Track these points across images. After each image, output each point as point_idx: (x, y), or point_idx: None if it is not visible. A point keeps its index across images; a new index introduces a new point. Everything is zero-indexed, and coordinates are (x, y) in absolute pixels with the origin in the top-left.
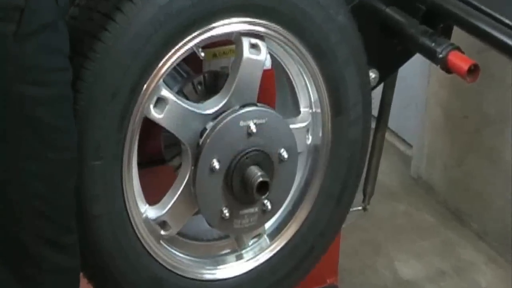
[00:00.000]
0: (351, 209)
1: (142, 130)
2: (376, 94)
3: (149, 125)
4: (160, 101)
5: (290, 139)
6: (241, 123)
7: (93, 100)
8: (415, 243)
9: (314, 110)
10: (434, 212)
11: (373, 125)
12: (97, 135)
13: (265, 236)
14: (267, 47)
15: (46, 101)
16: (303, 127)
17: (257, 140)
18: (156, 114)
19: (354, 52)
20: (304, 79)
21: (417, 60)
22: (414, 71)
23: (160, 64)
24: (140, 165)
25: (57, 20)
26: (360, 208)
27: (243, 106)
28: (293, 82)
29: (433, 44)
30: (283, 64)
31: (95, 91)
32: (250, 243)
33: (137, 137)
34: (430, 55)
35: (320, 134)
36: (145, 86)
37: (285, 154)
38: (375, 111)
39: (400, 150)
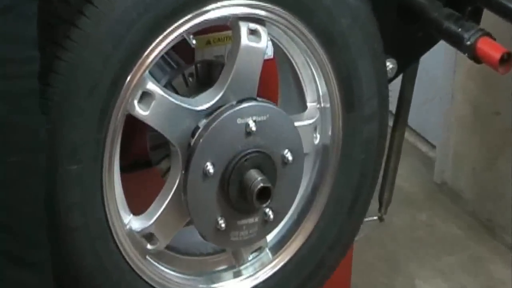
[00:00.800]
0: (365, 219)
1: (125, 129)
2: (394, 87)
3: (133, 123)
4: (146, 96)
5: (295, 138)
6: (239, 121)
7: (69, 95)
8: (439, 259)
9: (322, 105)
10: (461, 223)
11: (390, 122)
12: (73, 136)
13: (266, 250)
14: (269, 33)
15: (6, 96)
16: (310, 124)
17: (257, 140)
18: (141, 111)
19: (369, 38)
20: (311, 69)
21: (442, 48)
22: (437, 60)
23: (146, 54)
24: (123, 169)
25: (19, 4)
26: (375, 218)
27: (241, 101)
28: (299, 73)
29: (459, 30)
30: (287, 52)
31: (71, 85)
32: (249, 258)
33: (120, 137)
34: (456, 42)
35: (330, 133)
36: (128, 78)
37: (289, 156)
38: (393, 107)
39: (421, 152)
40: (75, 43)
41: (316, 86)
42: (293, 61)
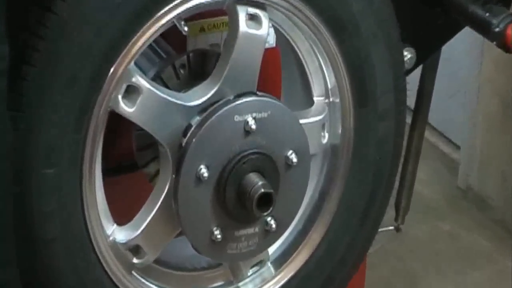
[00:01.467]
0: (380, 230)
1: (108, 128)
2: (413, 80)
3: (117, 121)
4: (131, 90)
5: (300, 138)
6: (237, 118)
7: (43, 90)
8: (464, 274)
9: (331, 99)
10: (489, 233)
11: (408, 120)
12: (49, 136)
13: (268, 264)
14: (270, 19)
15: None
16: (317, 122)
17: (257, 140)
18: (125, 107)
19: (383, 24)
20: (318, 59)
21: (466, 36)
22: (462, 50)
23: (131, 43)
24: (105, 173)
25: None
26: (391, 228)
27: (239, 95)
28: (304, 64)
29: (487, 15)
30: (290, 40)
31: (46, 78)
32: (249, 273)
33: (102, 137)
34: (483, 28)
35: (340, 131)
36: (111, 70)
37: (293, 158)
38: (411, 102)
39: (444, 153)
40: (50, 30)
41: (324, 78)
42: (297, 50)
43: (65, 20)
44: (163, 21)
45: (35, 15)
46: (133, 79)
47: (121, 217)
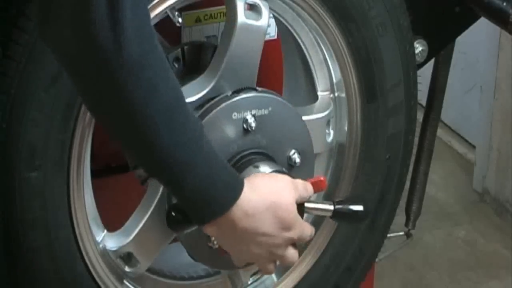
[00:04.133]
0: (390, 235)
1: (96, 126)
2: (425, 75)
3: None
4: None
5: (304, 136)
6: (235, 115)
7: (26, 87)
8: (481, 284)
9: (336, 94)
10: (508, 240)
11: (420, 117)
12: (32, 136)
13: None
14: (271, 9)
15: None
16: (322, 118)
17: (258, 139)
18: None
19: (393, 13)
20: (322, 52)
21: (482, 27)
22: (478, 42)
23: None
24: (94, 174)
25: None
26: (402, 233)
27: (237, 91)
28: (308, 57)
29: (504, 4)
30: (293, 31)
31: (29, 74)
32: (249, 282)
33: (90, 137)
34: (500, 19)
35: (346, 128)
36: None
37: (296, 157)
38: (423, 99)
39: (458, 153)
40: (33, 22)
41: (329, 71)
42: (300, 42)
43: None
44: (156, 12)
45: (17, 6)
46: None
47: (112, 223)
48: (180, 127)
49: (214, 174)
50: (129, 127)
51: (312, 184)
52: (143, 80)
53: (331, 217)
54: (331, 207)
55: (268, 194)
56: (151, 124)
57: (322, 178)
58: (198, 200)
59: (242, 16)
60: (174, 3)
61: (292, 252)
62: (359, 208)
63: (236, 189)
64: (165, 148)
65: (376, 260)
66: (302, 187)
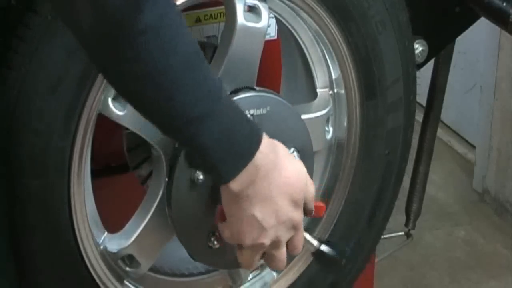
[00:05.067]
0: (389, 235)
1: (97, 126)
2: (425, 75)
3: (105, 117)
4: None
5: (302, 134)
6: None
7: (26, 96)
8: (482, 284)
9: (336, 91)
10: (508, 240)
11: (420, 117)
12: (32, 144)
13: (269, 268)
14: (270, 9)
15: None
16: (321, 116)
17: None
18: (116, 110)
19: (392, 11)
20: (321, 49)
21: (483, 27)
22: (478, 42)
23: None
24: (94, 173)
25: None
26: (402, 233)
27: (236, 91)
28: (307, 55)
29: (504, 4)
30: (292, 30)
31: (29, 82)
32: (249, 278)
33: (90, 142)
34: (500, 19)
35: (345, 125)
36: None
37: (295, 155)
38: (423, 98)
39: (458, 153)
40: (33, 31)
41: (328, 69)
42: (299, 40)
43: (49, 21)
44: None
45: (17, 16)
46: None
47: (112, 223)
48: (202, 80)
49: (235, 123)
50: (152, 88)
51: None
52: (164, 41)
53: (312, 253)
54: (315, 244)
55: (288, 161)
56: (174, 81)
57: (322, 205)
58: (220, 151)
59: (241, 18)
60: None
61: (283, 251)
62: (339, 255)
63: (258, 135)
64: (187, 103)
65: (376, 260)
66: (312, 187)
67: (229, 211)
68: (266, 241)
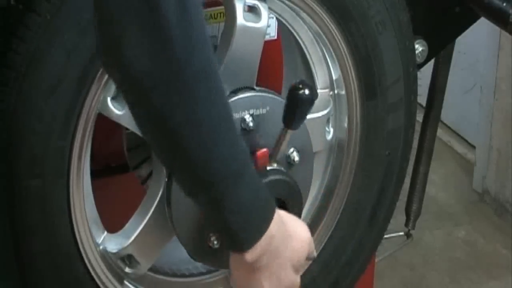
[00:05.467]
0: (389, 235)
1: (95, 126)
2: (425, 75)
3: (104, 117)
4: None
5: (303, 134)
6: (233, 115)
7: (25, 96)
8: (482, 284)
9: (336, 92)
10: (508, 240)
11: (420, 117)
12: (32, 144)
13: None
14: (270, 9)
15: None
16: (322, 116)
17: (256, 138)
18: (115, 110)
19: (392, 11)
20: (321, 49)
21: (483, 27)
22: (478, 42)
23: None
24: (94, 173)
25: None
26: (402, 233)
27: (235, 91)
28: (307, 55)
29: (504, 4)
30: (292, 30)
31: (28, 83)
32: None
33: (90, 142)
34: (500, 19)
35: (346, 126)
36: (99, 73)
37: (295, 156)
38: (423, 99)
39: (458, 153)
40: (33, 31)
41: (328, 69)
42: (299, 40)
43: (48, 21)
44: None
45: (17, 16)
46: None
47: (112, 223)
48: (238, 136)
49: (259, 189)
50: (192, 139)
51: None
52: (212, 86)
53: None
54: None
55: (290, 226)
56: (215, 132)
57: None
58: (243, 218)
59: (241, 18)
60: None
61: None
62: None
63: (273, 205)
64: (226, 157)
65: (376, 260)
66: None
67: (238, 279)
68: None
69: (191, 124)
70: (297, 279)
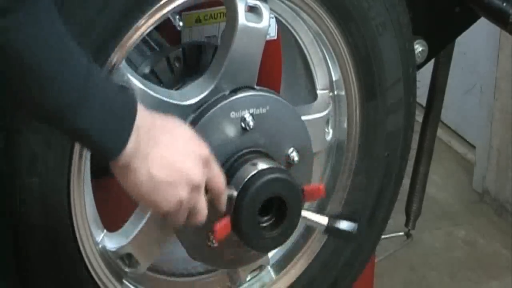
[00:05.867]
0: (389, 235)
1: None
2: (425, 75)
3: None
4: None
5: (302, 134)
6: (233, 114)
7: None
8: (482, 284)
9: (336, 93)
10: (508, 240)
11: (420, 117)
12: (32, 142)
13: (268, 268)
14: (271, 9)
15: None
16: (321, 117)
17: (256, 137)
18: None
19: (392, 12)
20: (321, 50)
21: (483, 27)
22: (478, 42)
23: (121, 42)
24: (94, 174)
25: None
26: (402, 233)
27: (235, 90)
28: (307, 56)
29: (504, 4)
30: (292, 30)
31: None
32: (247, 279)
33: None
34: (500, 19)
35: (345, 126)
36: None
37: (295, 156)
38: (423, 99)
39: (458, 153)
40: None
41: (328, 70)
42: (300, 41)
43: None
44: (156, 17)
45: None
46: (125, 78)
47: (112, 223)
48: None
49: (109, 99)
50: (25, 84)
51: (309, 191)
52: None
53: (323, 231)
54: (325, 222)
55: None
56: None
57: (320, 187)
58: (100, 131)
59: (242, 18)
60: (175, 7)
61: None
62: (352, 227)
63: (133, 102)
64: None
65: (376, 260)
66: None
67: (127, 185)
68: (183, 194)
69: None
70: (194, 168)
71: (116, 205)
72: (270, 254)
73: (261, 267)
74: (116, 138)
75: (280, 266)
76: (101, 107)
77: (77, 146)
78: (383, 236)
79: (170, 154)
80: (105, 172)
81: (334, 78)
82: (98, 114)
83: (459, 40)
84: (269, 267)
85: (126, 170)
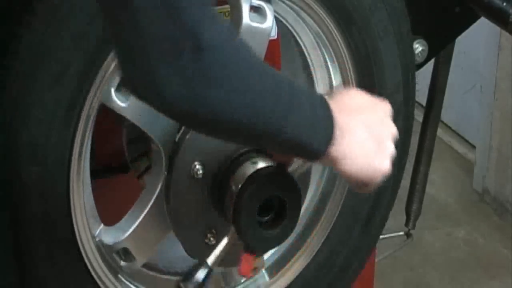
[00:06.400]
0: (389, 235)
1: (97, 125)
2: (425, 75)
3: (105, 117)
4: None
5: None
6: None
7: (29, 85)
8: (482, 284)
9: None
10: (508, 240)
11: (420, 117)
12: (34, 133)
13: (262, 271)
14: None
15: None
16: None
17: None
18: (119, 102)
19: (393, 15)
20: (322, 53)
21: (483, 27)
22: (478, 42)
23: None
24: (94, 173)
25: None
26: (402, 233)
27: None
28: (308, 58)
29: (504, 4)
30: (294, 32)
31: (32, 72)
32: (241, 281)
33: (91, 134)
34: (500, 19)
35: None
36: (105, 62)
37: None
38: (423, 99)
39: (458, 153)
40: (38, 18)
41: (329, 73)
42: (301, 43)
43: (55, 7)
44: None
45: (21, 2)
46: None
47: (109, 217)
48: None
49: (310, 105)
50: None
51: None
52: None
53: None
54: None
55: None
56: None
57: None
58: (307, 135)
59: (247, 18)
60: None
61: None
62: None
63: (327, 104)
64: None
65: (376, 260)
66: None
67: (348, 165)
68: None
69: (255, 111)
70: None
71: (114, 199)
72: (265, 256)
73: (255, 270)
74: (324, 136)
75: (275, 268)
76: (305, 114)
77: (78, 138)
78: (383, 236)
79: (367, 124)
80: (105, 172)
81: (334, 82)
82: (305, 121)
83: (459, 40)
84: (263, 270)
85: (336, 159)
